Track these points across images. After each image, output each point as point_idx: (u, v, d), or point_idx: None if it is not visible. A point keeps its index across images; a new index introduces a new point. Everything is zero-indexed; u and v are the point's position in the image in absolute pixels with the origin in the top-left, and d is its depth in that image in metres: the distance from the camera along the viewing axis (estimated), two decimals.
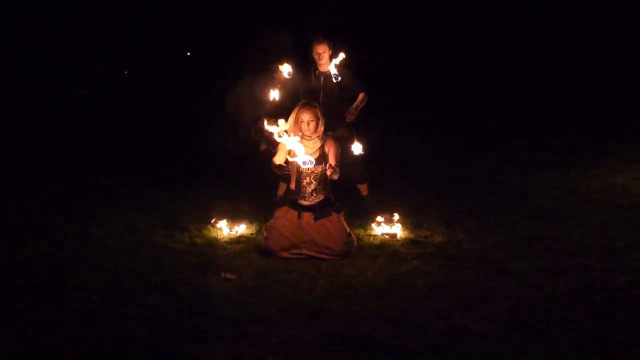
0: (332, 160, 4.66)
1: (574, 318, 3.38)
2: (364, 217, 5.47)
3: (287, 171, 4.64)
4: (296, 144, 4.37)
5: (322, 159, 4.67)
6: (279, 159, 4.66)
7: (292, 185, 4.77)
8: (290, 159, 4.50)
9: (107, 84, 21.65)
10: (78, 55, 23.68)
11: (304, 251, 4.49)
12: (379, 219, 5.18)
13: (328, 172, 4.52)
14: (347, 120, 5.50)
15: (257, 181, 6.20)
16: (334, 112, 5.40)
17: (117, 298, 3.68)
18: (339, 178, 4.62)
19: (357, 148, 4.97)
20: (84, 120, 13.16)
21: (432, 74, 16.59)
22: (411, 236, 4.98)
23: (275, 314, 3.48)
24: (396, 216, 5.13)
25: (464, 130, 10.77)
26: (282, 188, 5.63)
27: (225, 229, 5.09)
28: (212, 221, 5.22)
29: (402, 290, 3.83)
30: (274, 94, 5.09)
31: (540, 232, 5.04)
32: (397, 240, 4.89)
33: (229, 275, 4.10)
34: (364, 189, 5.76)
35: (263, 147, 5.67)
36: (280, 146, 4.66)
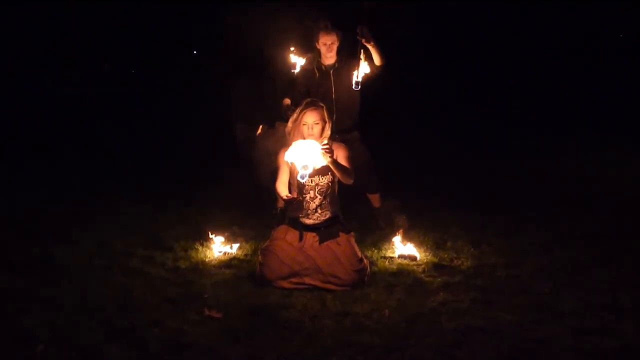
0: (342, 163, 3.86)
1: None
2: (377, 234, 4.74)
3: (297, 198, 3.81)
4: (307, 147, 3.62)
5: (327, 167, 3.84)
6: (282, 184, 3.90)
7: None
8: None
9: (110, 84, 21.09)
10: (80, 54, 23.15)
11: (307, 280, 3.73)
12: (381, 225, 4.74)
13: (323, 153, 3.64)
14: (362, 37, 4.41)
15: (255, 191, 5.49)
16: (346, 112, 4.64)
17: (70, 348, 2.91)
18: (352, 183, 3.87)
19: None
20: (72, 121, 12.39)
21: (456, 76, 15.78)
22: (434, 259, 4.22)
23: None
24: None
25: (484, 134, 10.00)
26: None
27: (215, 249, 4.35)
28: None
29: (427, 336, 3.05)
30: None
31: (585, 254, 4.26)
32: (418, 264, 4.13)
33: (213, 313, 3.34)
34: (375, 199, 5.03)
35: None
36: (280, 163, 3.88)
